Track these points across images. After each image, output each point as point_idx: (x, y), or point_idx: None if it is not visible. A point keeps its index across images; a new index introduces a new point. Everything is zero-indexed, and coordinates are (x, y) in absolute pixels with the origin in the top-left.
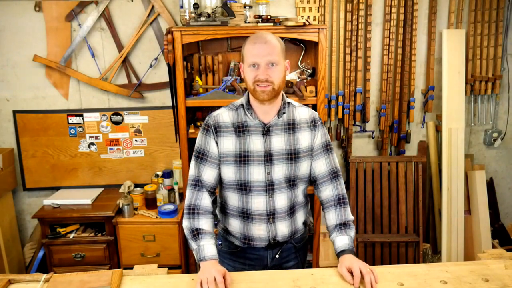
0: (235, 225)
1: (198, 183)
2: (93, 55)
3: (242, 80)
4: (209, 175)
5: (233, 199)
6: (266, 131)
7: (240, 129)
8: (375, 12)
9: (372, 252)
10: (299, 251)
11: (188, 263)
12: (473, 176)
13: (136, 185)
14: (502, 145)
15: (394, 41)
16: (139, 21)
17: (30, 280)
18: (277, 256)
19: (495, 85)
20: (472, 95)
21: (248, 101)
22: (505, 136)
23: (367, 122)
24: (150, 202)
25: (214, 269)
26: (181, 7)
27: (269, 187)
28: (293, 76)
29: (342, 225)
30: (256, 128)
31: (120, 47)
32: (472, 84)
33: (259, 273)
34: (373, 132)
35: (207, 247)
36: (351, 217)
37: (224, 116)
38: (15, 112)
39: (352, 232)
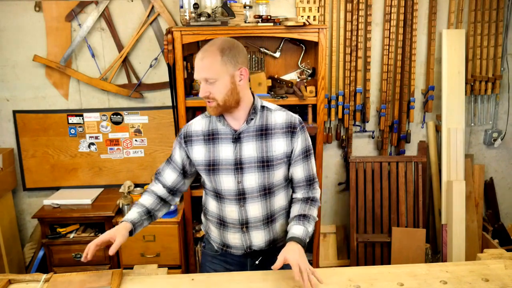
0: (213, 230)
1: (157, 176)
2: (93, 55)
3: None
4: (168, 175)
5: (211, 205)
6: (237, 138)
7: (210, 137)
8: (375, 12)
9: (372, 252)
10: None
11: (188, 263)
12: (451, 187)
13: (136, 185)
14: (502, 145)
15: (394, 41)
16: (139, 21)
17: (30, 280)
18: (256, 262)
19: (495, 85)
20: (472, 95)
21: None
22: (505, 136)
23: (367, 122)
24: None
25: (112, 229)
26: (181, 7)
27: (241, 196)
28: (293, 76)
29: (302, 217)
30: (226, 135)
31: (120, 47)
32: (472, 84)
33: (259, 273)
34: (373, 132)
35: (129, 212)
36: (314, 214)
37: (197, 124)
38: (15, 112)
39: (310, 226)
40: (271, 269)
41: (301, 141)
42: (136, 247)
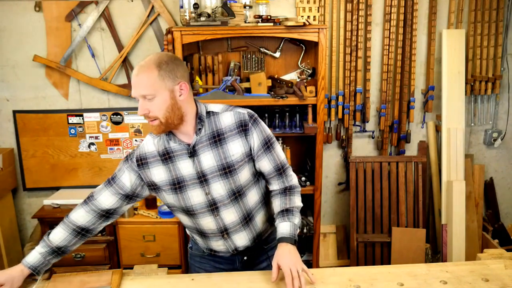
0: (197, 238)
1: (88, 200)
2: (93, 55)
3: (242, 80)
4: (105, 198)
5: (184, 220)
6: (192, 152)
7: (166, 156)
8: (375, 12)
9: (372, 252)
10: (269, 252)
11: (188, 263)
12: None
13: None
14: (502, 145)
15: (394, 41)
16: (139, 21)
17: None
18: (245, 258)
19: (495, 85)
20: (472, 95)
21: None
22: (505, 136)
23: (367, 122)
24: (150, 202)
25: (3, 275)
26: (181, 7)
27: (213, 207)
28: (293, 76)
29: (285, 211)
30: (182, 151)
31: (120, 47)
32: (472, 84)
33: (259, 273)
34: (373, 132)
35: (30, 254)
36: (297, 204)
37: (149, 145)
38: (15, 112)
39: (295, 219)
40: (263, 262)
41: (256, 136)
42: (136, 247)
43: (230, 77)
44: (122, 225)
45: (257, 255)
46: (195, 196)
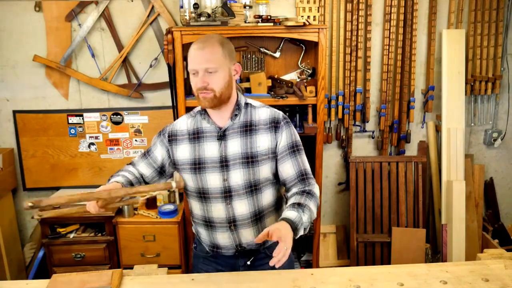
0: (202, 232)
1: (132, 164)
2: (93, 55)
3: (242, 80)
4: (143, 168)
5: (196, 207)
6: (222, 135)
7: (195, 136)
8: (375, 12)
9: (372, 252)
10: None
11: (188, 263)
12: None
13: None
14: (502, 145)
15: (394, 41)
16: (139, 21)
17: None
18: (248, 263)
19: (495, 85)
20: (472, 95)
21: None
22: (505, 136)
23: (367, 122)
24: (150, 202)
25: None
26: (181, 7)
27: (227, 194)
28: (293, 76)
29: (297, 204)
30: (211, 133)
31: (120, 47)
32: (472, 84)
33: (259, 273)
34: (373, 132)
35: (114, 178)
36: (312, 207)
37: (182, 124)
38: (15, 112)
39: (305, 216)
40: (266, 269)
41: (285, 136)
42: (136, 247)
43: None
44: (122, 225)
45: (261, 261)
46: (212, 180)
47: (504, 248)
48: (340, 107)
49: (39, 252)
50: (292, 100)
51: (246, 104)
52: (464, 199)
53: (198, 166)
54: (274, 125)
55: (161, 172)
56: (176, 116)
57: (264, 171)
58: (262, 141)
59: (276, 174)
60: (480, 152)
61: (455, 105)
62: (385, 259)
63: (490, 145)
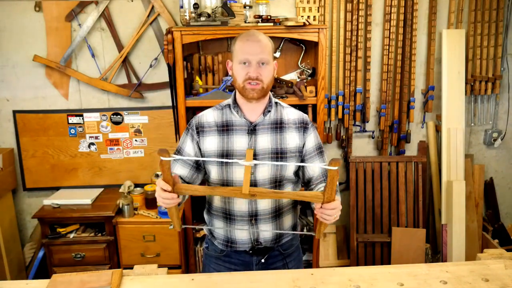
0: (218, 225)
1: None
2: (93, 55)
3: None
4: (179, 172)
5: (216, 199)
6: (252, 129)
7: (224, 128)
8: (375, 12)
9: (372, 252)
10: (286, 258)
11: (188, 263)
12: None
13: (136, 185)
14: (502, 145)
15: (394, 41)
16: (139, 21)
17: None
18: (262, 261)
19: (495, 85)
20: (472, 95)
21: (235, 99)
22: (505, 136)
23: (367, 122)
24: (150, 202)
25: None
26: (181, 7)
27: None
28: (293, 76)
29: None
30: (241, 127)
31: (120, 47)
32: (472, 84)
33: (259, 273)
34: (373, 132)
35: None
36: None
37: (208, 116)
38: (15, 112)
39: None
40: (280, 267)
41: (313, 137)
42: (136, 247)
43: (230, 77)
44: (122, 225)
45: (274, 259)
46: (239, 173)
47: (504, 248)
48: (340, 107)
49: (39, 252)
50: (292, 100)
51: (276, 103)
52: (464, 199)
53: (225, 158)
54: (304, 126)
55: (197, 167)
56: (176, 116)
57: (290, 168)
58: (292, 139)
59: (297, 173)
60: (480, 152)
61: (455, 105)
62: (385, 259)
63: (490, 145)
